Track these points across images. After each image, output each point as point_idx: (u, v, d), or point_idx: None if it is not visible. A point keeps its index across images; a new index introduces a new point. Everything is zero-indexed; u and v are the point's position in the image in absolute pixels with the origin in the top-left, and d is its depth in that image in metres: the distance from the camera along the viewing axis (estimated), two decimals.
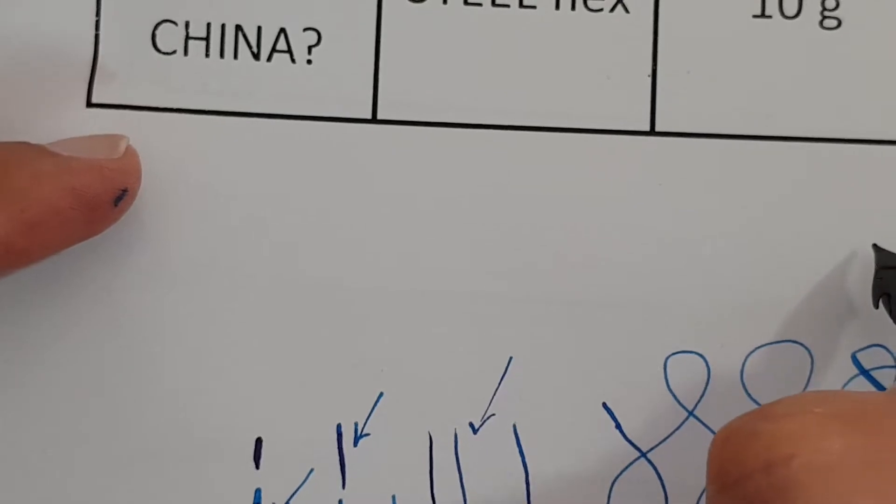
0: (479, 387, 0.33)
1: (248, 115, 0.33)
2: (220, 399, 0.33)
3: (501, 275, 0.33)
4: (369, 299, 0.33)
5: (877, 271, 0.32)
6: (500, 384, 0.33)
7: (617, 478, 0.33)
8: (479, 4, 0.33)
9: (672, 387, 0.33)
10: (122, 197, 0.31)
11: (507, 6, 0.33)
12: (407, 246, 0.33)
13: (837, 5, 0.33)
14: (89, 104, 0.33)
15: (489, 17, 0.33)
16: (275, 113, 0.33)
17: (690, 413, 0.33)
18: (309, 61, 0.33)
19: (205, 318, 0.33)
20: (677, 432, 0.33)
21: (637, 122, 0.33)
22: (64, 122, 0.33)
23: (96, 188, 0.30)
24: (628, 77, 0.33)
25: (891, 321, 0.31)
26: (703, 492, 0.33)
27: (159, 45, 0.33)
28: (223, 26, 0.33)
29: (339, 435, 0.33)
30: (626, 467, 0.33)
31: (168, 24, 0.33)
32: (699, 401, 0.33)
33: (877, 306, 0.32)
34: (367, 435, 0.33)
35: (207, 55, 0.33)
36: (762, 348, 0.33)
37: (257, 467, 0.33)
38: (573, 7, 0.33)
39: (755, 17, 0.33)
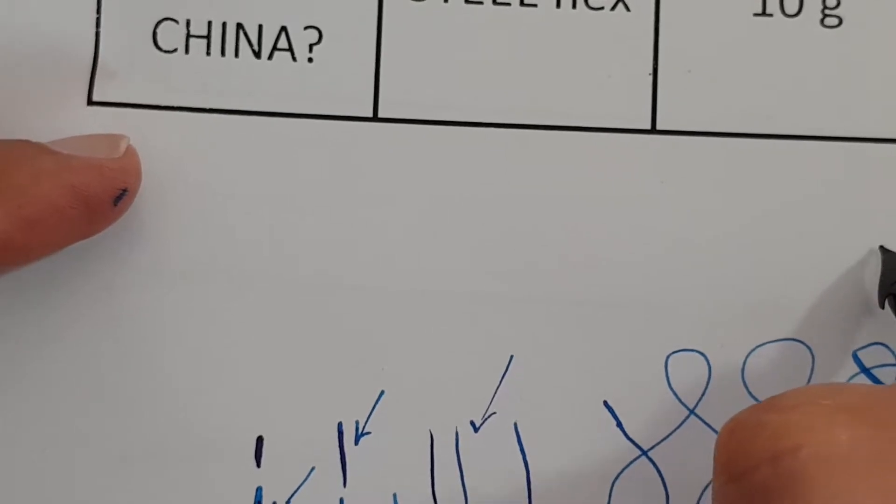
0: (481, 385, 0.33)
1: (249, 114, 0.33)
2: (220, 398, 0.33)
3: (502, 274, 0.33)
4: (370, 298, 0.33)
5: (883, 272, 0.32)
6: (501, 383, 0.33)
7: (618, 476, 0.33)
8: (480, 3, 0.33)
9: (673, 385, 0.33)
10: (121, 196, 0.31)
11: (508, 5, 0.33)
12: (408, 245, 0.33)
13: (838, 4, 0.33)
14: (90, 102, 0.33)
15: (490, 16, 0.33)
16: (276, 111, 0.33)
17: (691, 412, 0.33)
18: (310, 60, 0.33)
19: (205, 317, 0.33)
20: (678, 431, 0.33)
21: (638, 121, 0.33)
22: (64, 120, 0.33)
23: (96, 187, 0.30)
24: (629, 76, 0.33)
25: (895, 320, 0.31)
26: (703, 490, 0.33)
27: (160, 44, 0.33)
28: (224, 24, 0.33)
29: (340, 433, 0.33)
30: (627, 466, 0.33)
31: (169, 22, 0.33)
32: (700, 399, 0.33)
33: (882, 306, 0.32)
34: (368, 433, 0.33)
35: (208, 53, 0.33)
36: (763, 347, 0.33)
37: (258, 466, 0.33)
38: (574, 6, 0.33)
39: (756, 15, 0.33)
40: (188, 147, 0.33)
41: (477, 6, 0.33)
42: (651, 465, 0.33)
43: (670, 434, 0.33)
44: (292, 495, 0.33)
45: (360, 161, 0.33)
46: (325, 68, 0.33)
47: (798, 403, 0.26)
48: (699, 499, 0.33)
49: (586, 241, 0.33)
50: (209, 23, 0.33)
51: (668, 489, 0.33)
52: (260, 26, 0.33)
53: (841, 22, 0.33)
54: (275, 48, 0.33)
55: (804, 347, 0.33)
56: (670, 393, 0.33)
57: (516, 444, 0.33)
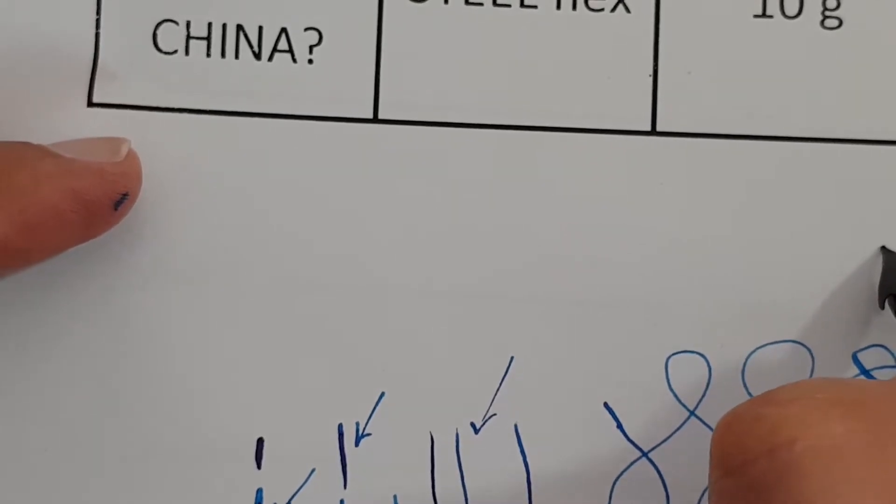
0: (481, 387, 0.33)
1: (249, 115, 0.33)
2: (221, 399, 0.33)
3: (502, 275, 0.33)
4: (370, 299, 0.33)
5: (884, 272, 0.32)
6: (501, 384, 0.33)
7: (618, 478, 0.33)
8: (481, 4, 0.33)
9: (673, 387, 0.33)
10: (122, 201, 0.31)
11: (509, 6, 0.33)
12: (407, 245, 0.33)
13: (838, 5, 0.33)
14: (90, 104, 0.33)
15: (490, 17, 0.33)
16: (276, 113, 0.33)
17: (692, 413, 0.33)
18: (310, 61, 0.33)
19: (205, 318, 0.33)
20: (678, 432, 0.33)
21: (638, 122, 0.33)
22: (64, 122, 0.33)
23: (97, 191, 0.30)
24: (629, 77, 0.33)
25: (895, 322, 0.31)
26: (704, 491, 0.33)
27: (160, 45, 0.33)
28: (224, 26, 0.33)
29: (341, 435, 0.33)
30: (628, 467, 0.33)
31: (169, 23, 0.33)
32: (700, 401, 0.33)
33: (882, 307, 0.32)
34: (369, 435, 0.33)
35: (208, 55, 0.33)
36: (763, 348, 0.33)
37: (259, 467, 0.33)
38: (574, 7, 0.33)
39: (756, 17, 0.33)
40: (188, 148, 0.33)
41: (477, 7, 0.33)
42: (651, 467, 0.33)
43: (671, 435, 0.33)
44: (293, 497, 0.33)
45: (361, 162, 0.33)
46: (325, 70, 0.33)
47: (794, 397, 0.26)
48: (699, 500, 0.33)
49: (586, 241, 0.33)
50: (209, 24, 0.33)
51: (669, 490, 0.33)
52: (260, 28, 0.33)
53: (841, 23, 0.33)
54: (275, 49, 0.33)
55: (804, 349, 0.33)
56: (670, 394, 0.33)
57: (517, 445, 0.33)
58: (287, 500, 0.33)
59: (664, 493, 0.33)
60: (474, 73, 0.33)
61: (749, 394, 0.33)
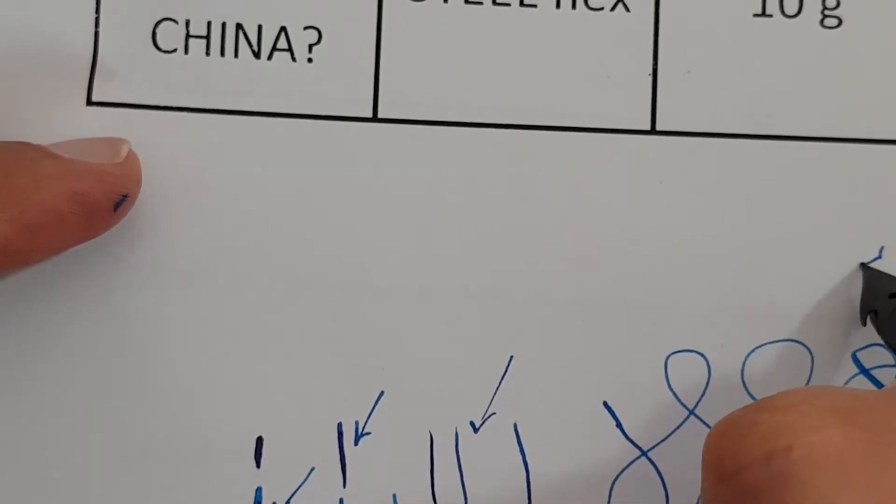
0: (480, 386, 0.33)
1: (249, 114, 0.33)
2: (220, 398, 0.33)
3: (502, 274, 0.33)
4: (370, 298, 0.33)
5: (864, 289, 0.32)
6: (500, 383, 0.33)
7: (617, 477, 0.33)
8: (480, 3, 0.33)
9: (673, 386, 0.33)
10: (121, 202, 0.31)
11: (508, 5, 0.33)
12: (407, 245, 0.33)
13: (838, 4, 0.33)
14: (89, 102, 0.33)
15: (490, 16, 0.33)
16: (275, 111, 0.33)
17: (691, 412, 0.33)
18: (310, 60, 0.33)
19: (205, 318, 0.33)
20: (678, 431, 0.33)
21: (637, 122, 0.33)
22: (64, 121, 0.33)
23: (97, 193, 0.30)
24: (629, 76, 0.33)
25: (888, 326, 0.31)
26: None
27: (159, 44, 0.33)
28: (223, 25, 0.33)
29: (340, 434, 0.33)
30: (627, 466, 0.33)
31: (168, 22, 0.33)
32: (700, 400, 0.33)
33: (864, 323, 0.32)
34: (368, 434, 0.33)
35: (208, 54, 0.33)
36: (763, 347, 0.33)
37: (258, 466, 0.33)
38: (574, 6, 0.33)
39: (756, 16, 0.33)
40: (188, 147, 0.33)
41: (477, 6, 0.33)
42: (651, 466, 0.33)
43: (670, 434, 0.33)
44: (292, 496, 0.33)
45: (360, 161, 0.33)
46: (324, 68, 0.33)
47: (790, 404, 0.26)
48: (699, 499, 0.33)
49: (586, 241, 0.33)
50: (209, 23, 0.33)
51: (668, 490, 0.33)
52: (259, 26, 0.33)
53: (841, 22, 0.33)
54: (274, 48, 0.33)
55: (803, 348, 0.33)
56: (670, 393, 0.33)
57: (516, 444, 0.33)
58: (286, 499, 0.33)
59: (663, 493, 0.33)
60: (474, 72, 0.33)
61: (748, 393, 0.33)
